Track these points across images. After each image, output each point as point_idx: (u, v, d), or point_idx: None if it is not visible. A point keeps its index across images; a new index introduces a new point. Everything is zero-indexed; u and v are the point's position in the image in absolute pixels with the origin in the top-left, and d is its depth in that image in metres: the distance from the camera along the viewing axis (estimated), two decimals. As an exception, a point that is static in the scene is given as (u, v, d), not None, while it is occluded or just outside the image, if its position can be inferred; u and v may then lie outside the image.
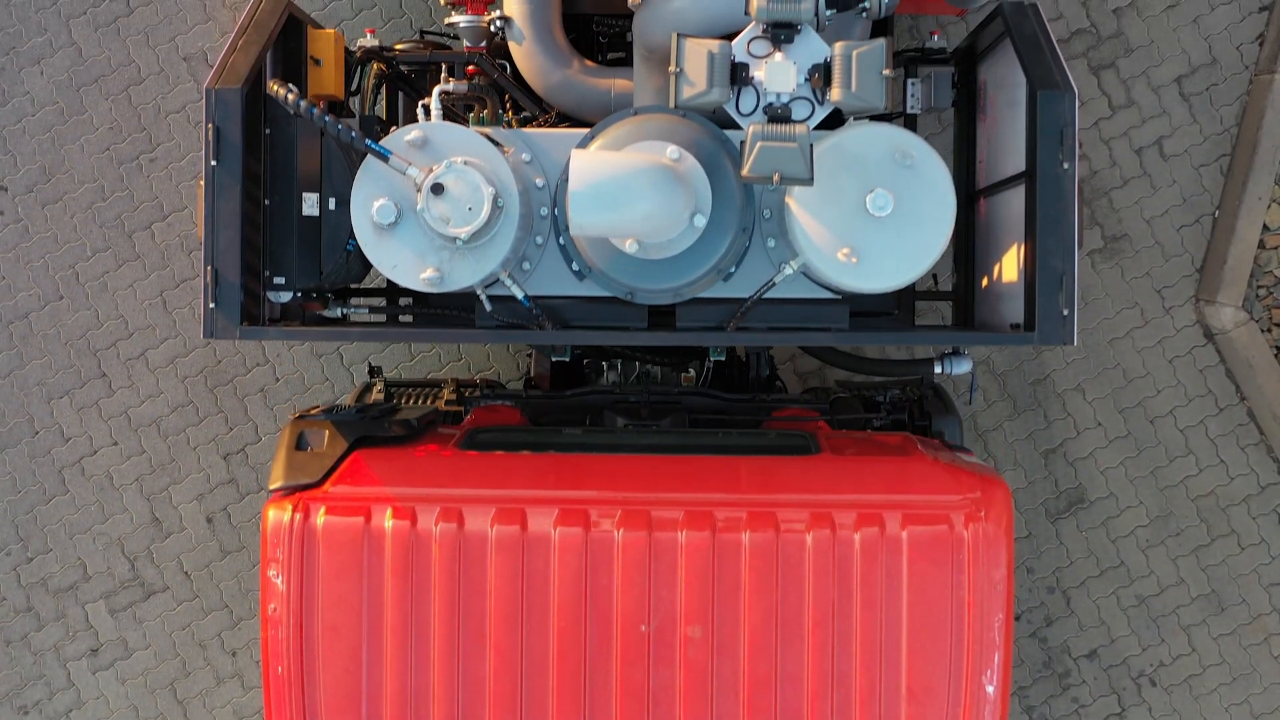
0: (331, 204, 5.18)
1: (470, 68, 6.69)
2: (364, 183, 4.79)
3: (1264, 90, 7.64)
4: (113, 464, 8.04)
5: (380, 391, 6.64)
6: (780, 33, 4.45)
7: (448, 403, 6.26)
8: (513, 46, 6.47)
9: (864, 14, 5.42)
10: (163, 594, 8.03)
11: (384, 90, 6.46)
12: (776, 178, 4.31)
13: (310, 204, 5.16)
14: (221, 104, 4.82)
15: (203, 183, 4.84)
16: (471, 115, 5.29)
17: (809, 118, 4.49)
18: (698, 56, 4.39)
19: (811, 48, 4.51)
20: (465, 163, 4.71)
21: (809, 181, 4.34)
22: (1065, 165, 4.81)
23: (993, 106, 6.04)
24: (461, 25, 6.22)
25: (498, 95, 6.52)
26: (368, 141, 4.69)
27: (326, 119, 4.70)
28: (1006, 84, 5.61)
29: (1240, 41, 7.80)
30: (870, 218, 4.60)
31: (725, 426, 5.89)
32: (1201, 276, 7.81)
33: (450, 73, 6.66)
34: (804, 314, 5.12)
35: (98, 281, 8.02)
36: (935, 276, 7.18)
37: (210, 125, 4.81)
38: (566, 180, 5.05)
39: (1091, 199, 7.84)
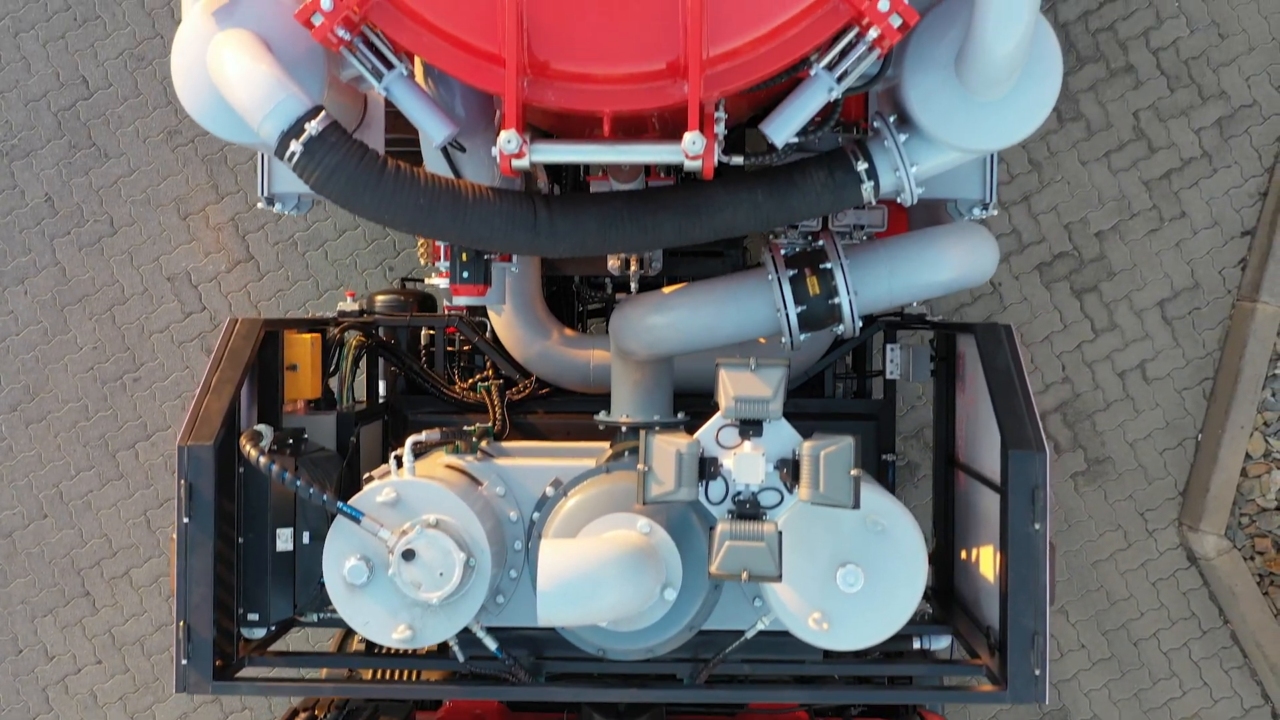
0: (305, 538, 5.18)
1: (450, 328, 6.72)
2: (336, 539, 4.79)
3: (1246, 319, 7.64)
4: (96, 682, 8.04)
5: None
6: (749, 427, 4.46)
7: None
8: (493, 315, 6.49)
9: (836, 333, 5.44)
10: (146, 812, 8.04)
11: (364, 360, 6.46)
12: (745, 575, 4.31)
13: (284, 539, 5.16)
14: (194, 460, 4.82)
15: (175, 536, 4.84)
16: (447, 448, 5.29)
17: (778, 505, 4.50)
18: (665, 455, 4.39)
19: (780, 436, 4.52)
20: (437, 522, 4.72)
21: (777, 578, 4.34)
22: (1037, 526, 4.80)
23: (971, 383, 6.04)
24: (442, 286, 6.24)
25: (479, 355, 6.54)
26: (339, 505, 4.69)
27: (298, 483, 4.70)
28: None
29: (1222, 266, 7.81)
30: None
31: None
32: (1185, 502, 7.81)
33: (430, 342, 6.69)
34: (777, 644, 5.12)
35: (81, 500, 8.02)
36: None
37: (183, 481, 4.81)
38: (539, 518, 5.07)
39: (1075, 422, 7.85)
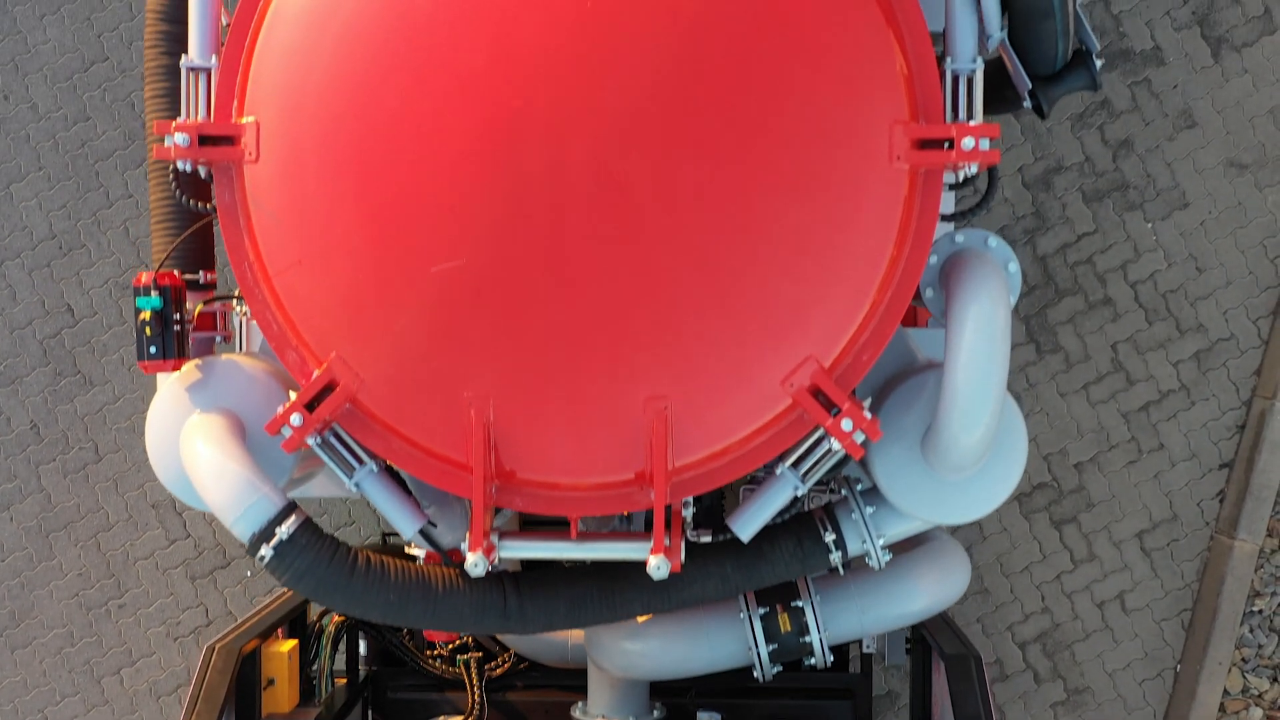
0: None
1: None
2: None
3: (1224, 555, 7.69)
4: None
5: None
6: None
7: None
8: (471, 591, 6.53)
9: (808, 664, 5.48)
10: None
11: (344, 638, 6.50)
12: None
13: None
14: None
15: None
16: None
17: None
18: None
19: None
20: None
21: None
22: None
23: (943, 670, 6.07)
24: (419, 555, 6.28)
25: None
26: None
27: None
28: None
29: (1201, 498, 7.85)
30: None
31: None
32: (1164, 735, 7.85)
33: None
34: None
35: (66, 726, 8.06)
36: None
37: None
38: None
39: (1054, 652, 7.89)
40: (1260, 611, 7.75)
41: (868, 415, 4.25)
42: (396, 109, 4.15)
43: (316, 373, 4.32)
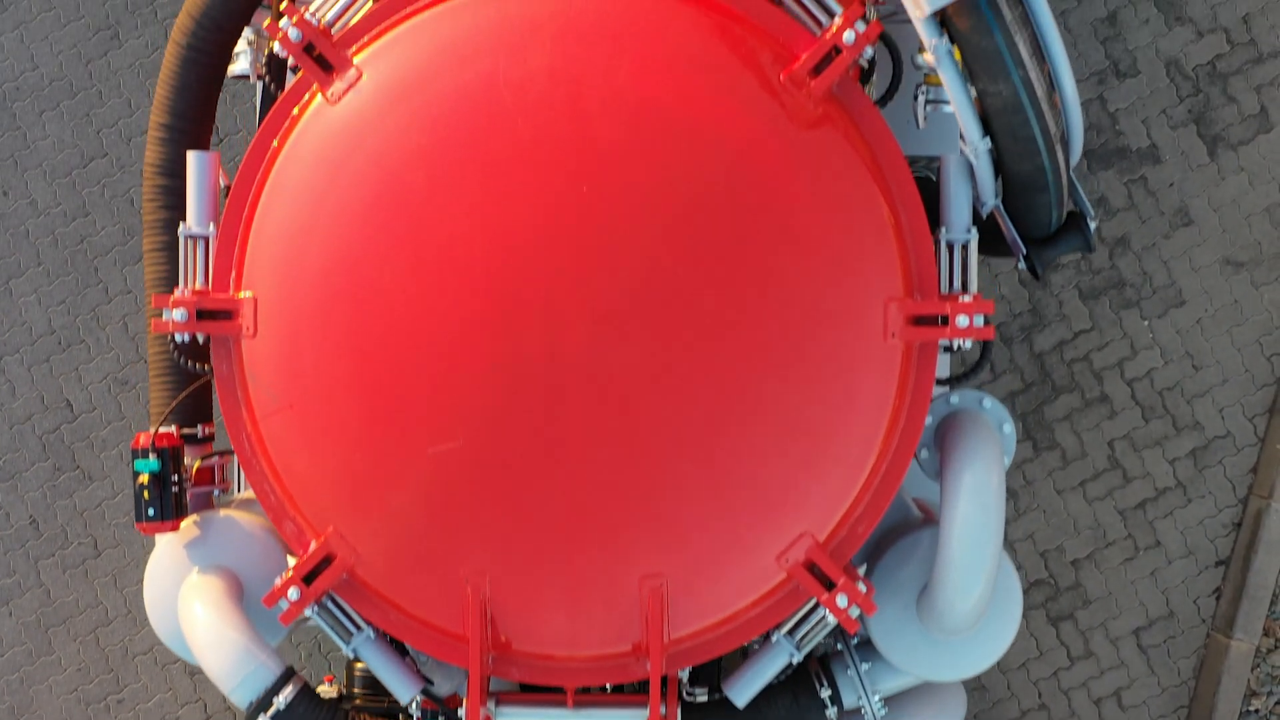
0: None
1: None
2: None
3: (1220, 654, 7.70)
4: None
5: None
6: None
7: None
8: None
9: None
10: None
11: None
12: None
13: None
14: None
15: None
16: None
17: None
18: None
19: None
20: None
21: None
22: None
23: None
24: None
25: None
26: None
27: None
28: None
29: (1197, 595, 7.86)
30: None
31: None
32: (1161, 832, 7.86)
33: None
34: None
35: (65, 820, 8.07)
36: None
37: None
38: None
39: (1051, 748, 7.91)
40: (1257, 711, 7.77)
41: (862, 589, 4.28)
42: (394, 289, 4.18)
43: (314, 545, 4.34)
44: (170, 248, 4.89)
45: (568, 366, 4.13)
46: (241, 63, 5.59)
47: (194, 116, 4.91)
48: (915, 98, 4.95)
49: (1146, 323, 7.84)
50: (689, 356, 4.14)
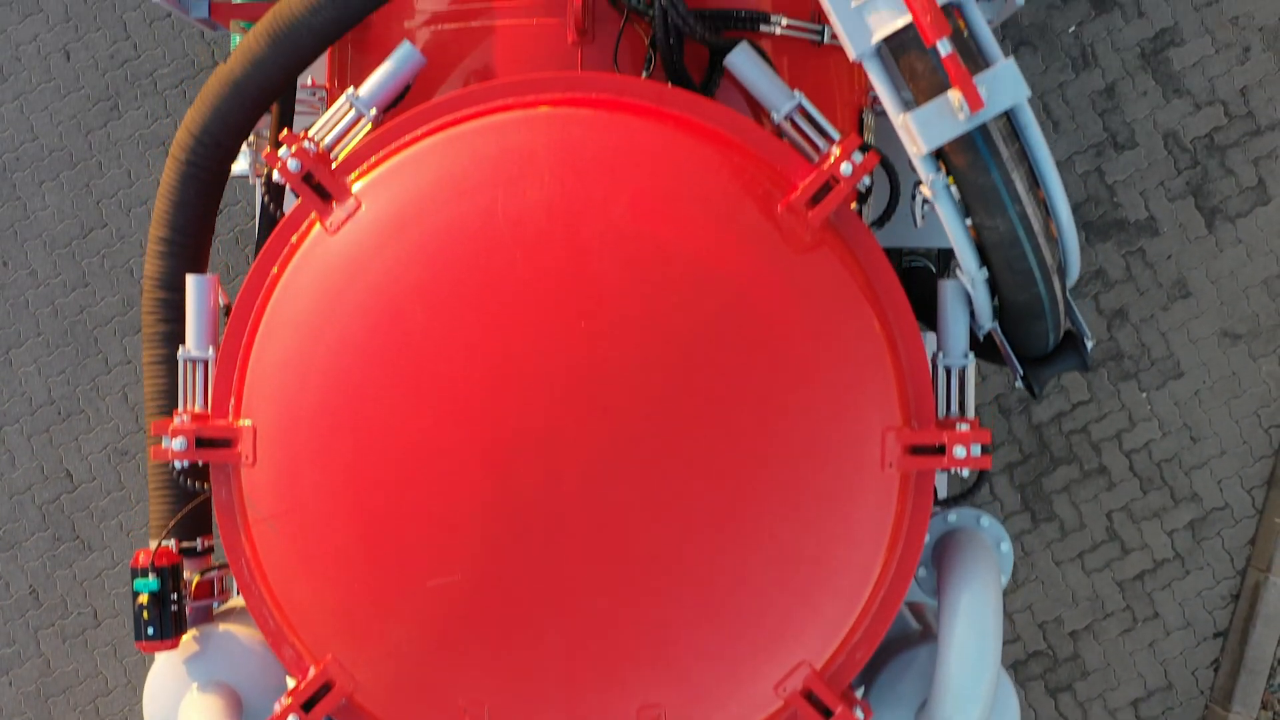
0: None
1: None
2: None
3: (1219, 727, 7.72)
4: None
5: None
6: None
7: None
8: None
9: None
10: None
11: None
12: None
13: None
14: None
15: None
16: None
17: None
18: None
19: None
20: None
21: None
22: None
23: None
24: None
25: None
26: None
27: None
28: None
29: (1195, 666, 7.88)
30: None
31: None
32: None
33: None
34: None
35: None
36: None
37: None
38: None
39: (1050, 819, 7.92)
40: (1255, 784, 7.79)
41: (859, 715, 4.30)
42: (393, 422, 4.19)
43: (313, 671, 4.35)
44: (169, 360, 4.91)
45: (566, 500, 4.14)
46: (241, 163, 5.61)
47: (193, 230, 4.92)
48: (913, 197, 4.96)
49: (1145, 394, 7.86)
50: (687, 490, 4.15)
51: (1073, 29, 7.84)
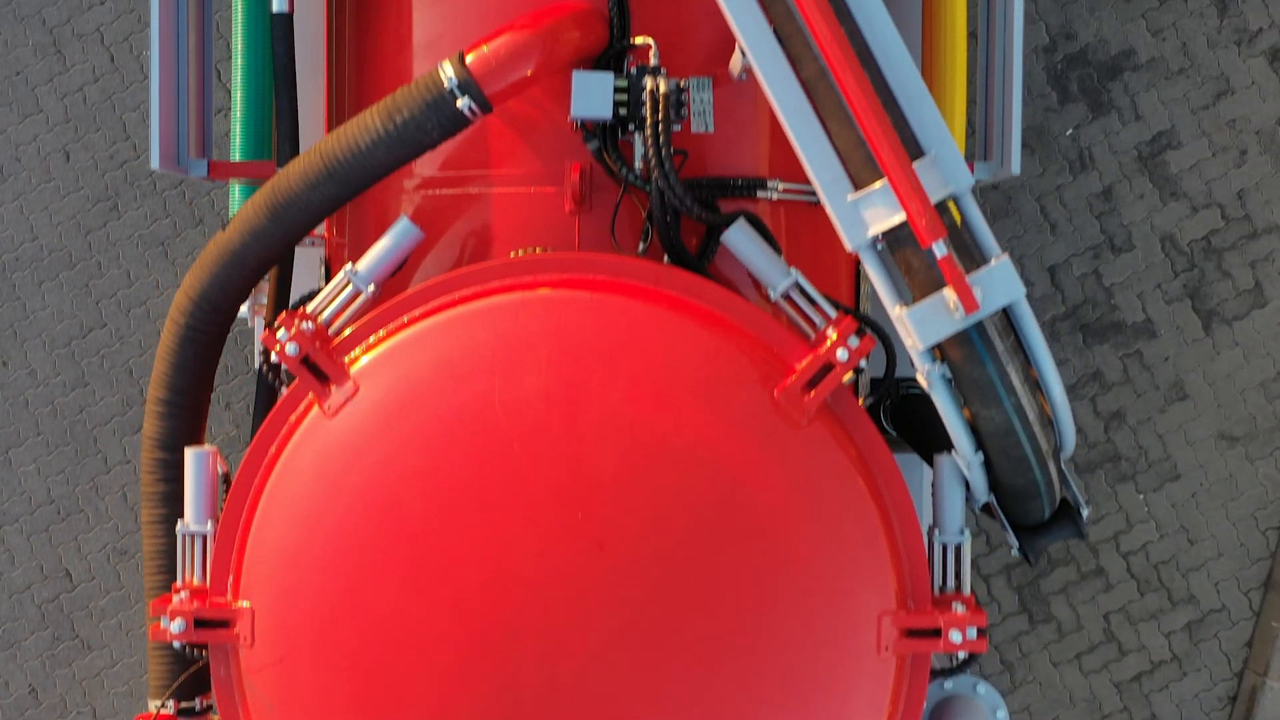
0: None
1: None
2: None
3: (1216, 830, 7.73)
4: None
5: None
6: None
7: None
8: None
9: None
10: None
11: None
12: None
13: None
14: None
15: None
16: None
17: None
18: None
19: None
20: None
21: None
22: None
23: None
24: None
25: None
26: None
27: None
28: None
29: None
30: None
31: None
32: None
33: None
34: None
35: None
36: None
37: None
38: None
39: None
40: None
41: None
42: (389, 615, 4.20)
43: None
44: (168, 520, 4.93)
45: (564, 691, 4.16)
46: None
47: (191, 391, 4.95)
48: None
49: (1142, 496, 7.87)
50: (683, 681, 4.17)
51: (1070, 132, 7.85)
